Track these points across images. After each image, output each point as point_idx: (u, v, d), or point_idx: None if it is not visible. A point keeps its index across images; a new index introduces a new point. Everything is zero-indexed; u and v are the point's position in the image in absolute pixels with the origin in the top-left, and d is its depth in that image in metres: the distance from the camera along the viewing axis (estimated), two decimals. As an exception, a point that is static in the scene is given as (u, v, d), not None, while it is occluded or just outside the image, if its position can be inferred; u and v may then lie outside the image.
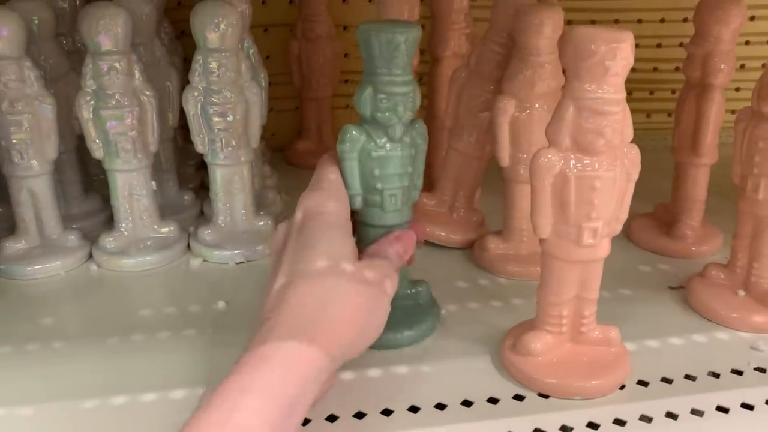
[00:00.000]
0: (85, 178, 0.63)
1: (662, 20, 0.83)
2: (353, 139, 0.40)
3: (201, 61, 0.52)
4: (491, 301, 0.50)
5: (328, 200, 0.38)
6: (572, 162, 0.36)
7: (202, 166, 0.67)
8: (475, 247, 0.55)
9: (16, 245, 0.54)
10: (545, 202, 0.37)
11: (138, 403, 0.39)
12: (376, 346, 0.38)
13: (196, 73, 0.53)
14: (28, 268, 0.53)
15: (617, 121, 0.36)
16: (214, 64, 0.52)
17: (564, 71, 0.38)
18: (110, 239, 0.55)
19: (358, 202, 0.41)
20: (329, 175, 0.40)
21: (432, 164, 0.64)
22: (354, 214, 0.41)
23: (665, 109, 0.86)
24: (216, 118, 0.53)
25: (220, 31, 0.51)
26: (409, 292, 0.46)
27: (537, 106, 0.49)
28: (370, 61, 0.39)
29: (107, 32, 0.50)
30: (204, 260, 0.56)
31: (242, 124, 0.54)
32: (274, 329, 0.32)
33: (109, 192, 0.55)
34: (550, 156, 0.37)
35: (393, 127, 0.40)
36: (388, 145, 0.40)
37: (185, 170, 0.70)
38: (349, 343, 0.34)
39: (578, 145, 0.36)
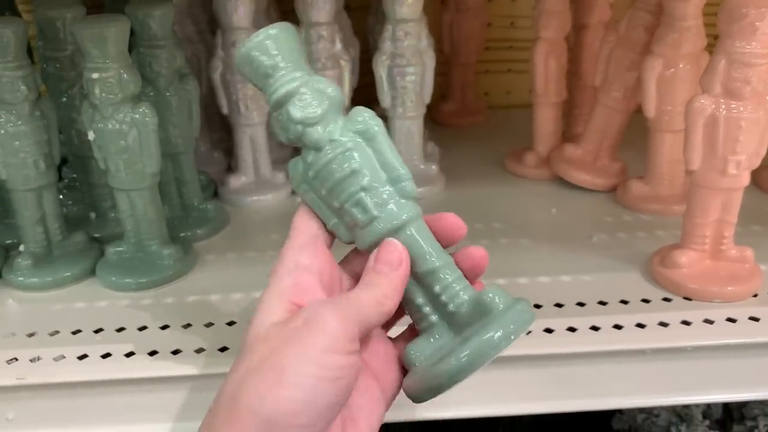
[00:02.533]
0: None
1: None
2: (292, 169, 0.35)
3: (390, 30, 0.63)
4: (636, 232, 0.58)
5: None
6: (722, 106, 0.45)
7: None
8: (619, 189, 0.64)
9: (238, 181, 0.68)
10: (697, 139, 0.46)
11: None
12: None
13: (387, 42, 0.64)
14: (248, 199, 0.67)
15: (762, 72, 0.44)
16: (400, 33, 0.63)
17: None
18: (311, 177, 0.68)
19: (343, 232, 0.35)
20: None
21: (576, 119, 0.73)
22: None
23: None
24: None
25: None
26: (463, 305, 0.33)
27: (681, 65, 0.57)
28: (258, 77, 0.34)
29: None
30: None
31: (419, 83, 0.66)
32: None
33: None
34: (702, 101, 0.45)
35: (307, 132, 0.33)
36: (317, 155, 0.33)
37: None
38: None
39: (728, 91, 0.45)
